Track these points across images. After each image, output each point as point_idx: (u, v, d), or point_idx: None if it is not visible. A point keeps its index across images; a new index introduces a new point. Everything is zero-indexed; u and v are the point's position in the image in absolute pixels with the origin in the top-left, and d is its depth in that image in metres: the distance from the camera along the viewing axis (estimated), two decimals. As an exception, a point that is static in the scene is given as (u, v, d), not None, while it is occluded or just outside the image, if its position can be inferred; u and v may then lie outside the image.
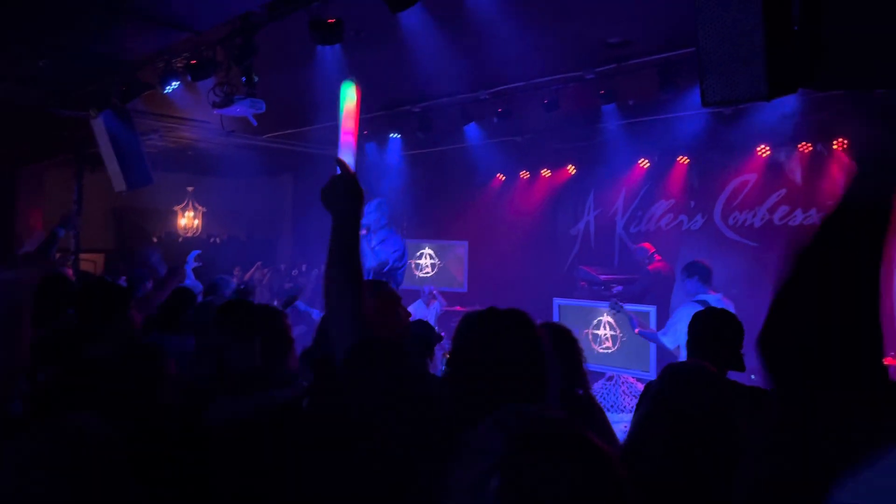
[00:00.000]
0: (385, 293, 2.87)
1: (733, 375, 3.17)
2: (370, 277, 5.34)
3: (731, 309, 5.69)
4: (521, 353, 1.69)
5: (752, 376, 6.86)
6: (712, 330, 3.20)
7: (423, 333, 3.49)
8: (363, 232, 6.39)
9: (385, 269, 5.96)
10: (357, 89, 2.38)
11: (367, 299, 2.76)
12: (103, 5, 4.68)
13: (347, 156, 2.23)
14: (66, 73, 6.49)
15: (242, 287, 5.79)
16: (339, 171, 2.10)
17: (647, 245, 8.66)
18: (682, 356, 5.79)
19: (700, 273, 5.88)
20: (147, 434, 2.03)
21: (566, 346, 3.10)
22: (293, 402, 2.50)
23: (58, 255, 10.29)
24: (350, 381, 1.72)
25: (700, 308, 5.76)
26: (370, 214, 6.32)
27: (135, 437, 1.71)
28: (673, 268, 8.60)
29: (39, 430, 1.49)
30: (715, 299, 5.61)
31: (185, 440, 2.27)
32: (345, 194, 2.05)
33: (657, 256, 8.46)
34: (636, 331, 6.37)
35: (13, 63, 6.06)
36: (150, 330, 4.08)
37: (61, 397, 2.36)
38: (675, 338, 5.65)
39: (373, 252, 6.04)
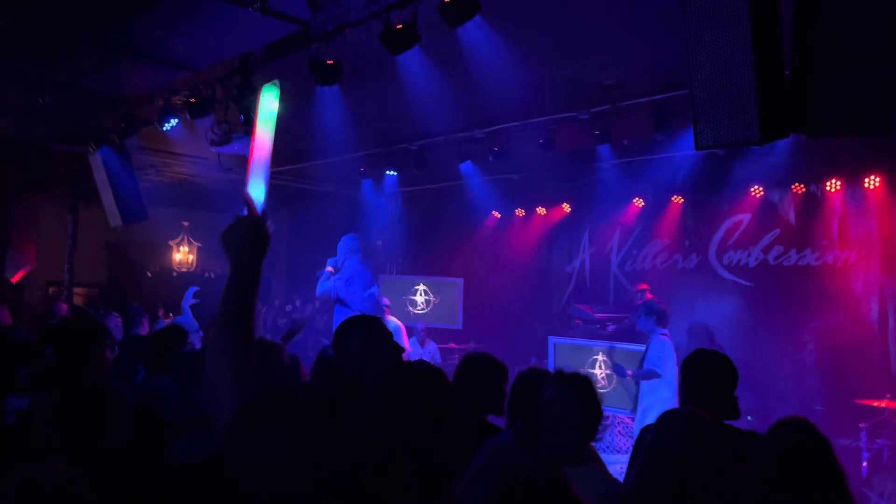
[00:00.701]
0: (374, 329, 2.85)
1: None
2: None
3: (670, 349, 6.28)
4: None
5: (749, 417, 6.82)
6: (706, 375, 3.12)
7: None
8: (328, 269, 6.38)
9: (333, 297, 6.10)
10: (277, 89, 2.02)
11: (355, 338, 2.76)
12: (106, 44, 4.74)
13: (257, 187, 1.88)
14: (66, 109, 6.54)
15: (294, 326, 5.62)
16: (244, 211, 1.78)
17: (643, 286, 8.67)
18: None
19: (658, 314, 6.38)
20: (98, 479, 1.97)
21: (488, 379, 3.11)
22: None
23: (51, 290, 10.27)
24: (234, 455, 1.45)
25: (667, 341, 6.28)
26: (340, 252, 6.38)
27: (90, 481, 1.65)
28: (667, 306, 8.61)
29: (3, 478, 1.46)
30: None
31: (142, 482, 2.20)
32: (245, 239, 1.73)
33: (648, 294, 8.47)
34: (629, 374, 6.48)
35: (15, 98, 6.11)
36: (136, 369, 4.04)
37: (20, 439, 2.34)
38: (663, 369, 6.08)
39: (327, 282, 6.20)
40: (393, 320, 7.64)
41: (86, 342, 3.00)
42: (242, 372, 1.63)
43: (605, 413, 2.70)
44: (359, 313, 5.88)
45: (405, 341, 7.67)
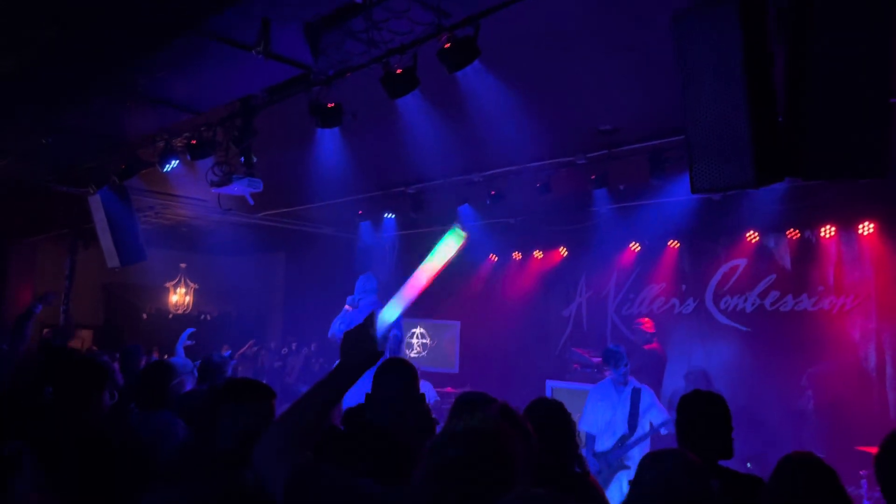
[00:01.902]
0: (410, 374, 2.89)
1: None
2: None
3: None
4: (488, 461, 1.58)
5: (749, 464, 6.72)
6: (699, 415, 3.12)
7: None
8: (347, 308, 6.58)
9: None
10: (464, 240, 2.20)
11: (393, 381, 2.76)
12: (110, 88, 4.81)
13: (393, 310, 2.06)
14: (68, 151, 6.59)
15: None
16: (368, 321, 1.91)
17: (645, 321, 8.64)
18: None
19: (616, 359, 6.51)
20: None
21: (560, 423, 3.05)
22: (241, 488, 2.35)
23: (45, 331, 10.20)
24: None
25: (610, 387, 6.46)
26: (357, 291, 6.62)
27: None
28: (665, 350, 8.57)
29: None
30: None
31: None
32: (360, 343, 1.87)
33: (655, 338, 8.45)
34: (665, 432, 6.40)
35: (19, 139, 6.17)
36: (126, 404, 4.00)
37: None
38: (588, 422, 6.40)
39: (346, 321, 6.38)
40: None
41: (89, 384, 2.99)
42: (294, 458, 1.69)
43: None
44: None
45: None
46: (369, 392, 2.88)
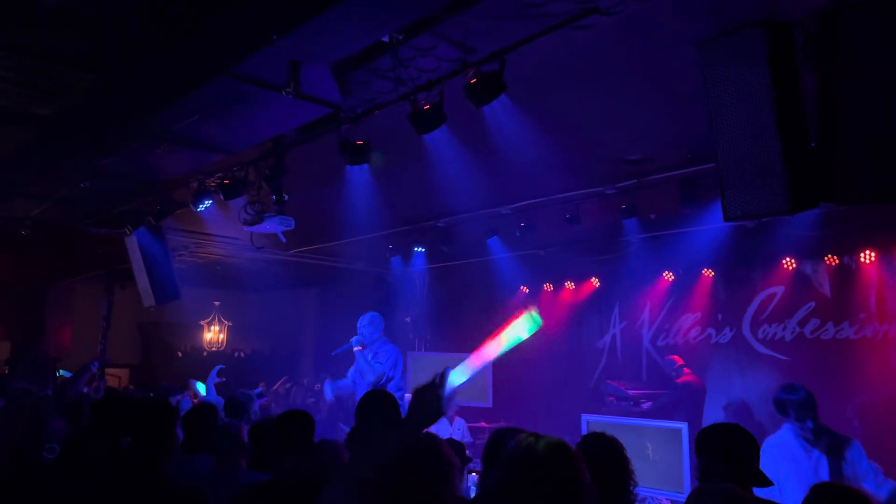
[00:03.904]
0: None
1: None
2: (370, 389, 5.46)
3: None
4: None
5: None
6: (724, 448, 3.01)
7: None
8: (358, 348, 6.53)
9: (383, 381, 6.26)
10: (538, 327, 2.31)
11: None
12: (146, 131, 4.93)
13: (461, 375, 2.16)
14: (105, 194, 6.75)
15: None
16: (439, 380, 2.04)
17: (675, 357, 8.50)
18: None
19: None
20: None
21: (616, 459, 2.92)
22: None
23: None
24: None
25: None
26: (364, 328, 6.64)
27: None
28: (703, 381, 8.38)
29: None
30: None
31: None
32: (428, 401, 2.01)
33: (686, 370, 8.28)
34: None
35: (58, 184, 6.33)
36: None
37: None
38: None
39: (370, 365, 6.36)
40: (463, 422, 7.62)
41: (168, 426, 3.03)
42: None
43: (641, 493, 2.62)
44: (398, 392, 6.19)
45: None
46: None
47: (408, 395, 7.27)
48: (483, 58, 4.00)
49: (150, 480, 2.64)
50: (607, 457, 2.87)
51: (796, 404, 4.50)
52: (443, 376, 2.04)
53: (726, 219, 3.30)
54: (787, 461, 4.42)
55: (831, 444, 4.33)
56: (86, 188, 6.15)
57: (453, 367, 2.13)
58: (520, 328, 2.28)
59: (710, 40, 3.25)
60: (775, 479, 3.94)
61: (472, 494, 3.99)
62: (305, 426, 3.49)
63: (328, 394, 6.86)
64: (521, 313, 2.29)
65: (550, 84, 4.66)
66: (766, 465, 3.91)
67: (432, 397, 1.99)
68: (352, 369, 6.73)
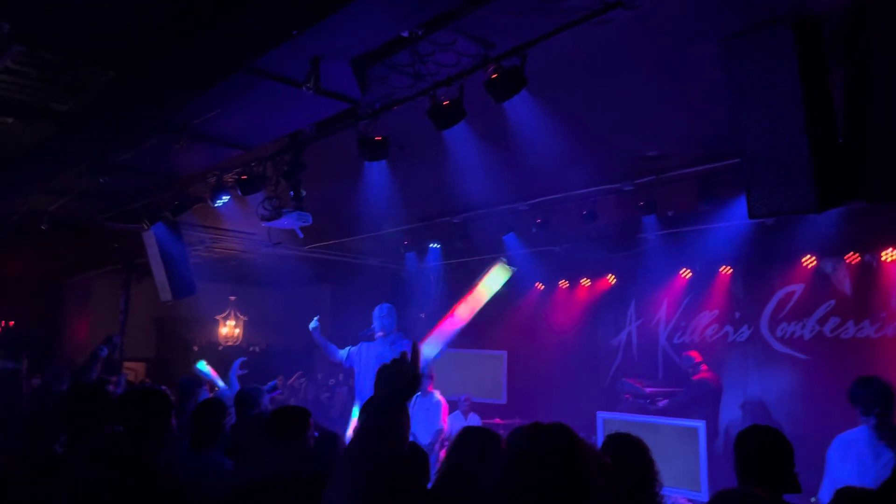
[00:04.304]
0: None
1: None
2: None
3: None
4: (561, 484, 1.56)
5: (813, 499, 6.45)
6: (759, 451, 2.98)
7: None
8: (380, 334, 6.72)
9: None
10: (510, 273, 2.07)
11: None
12: (164, 126, 4.94)
13: (433, 347, 1.98)
14: (123, 189, 6.78)
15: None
16: (409, 355, 1.84)
17: (693, 353, 8.43)
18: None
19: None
20: None
21: (641, 461, 2.89)
22: None
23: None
24: None
25: None
26: (384, 318, 6.92)
27: None
28: (721, 378, 8.32)
29: None
30: None
31: None
32: (394, 376, 1.80)
33: (703, 366, 8.21)
34: None
35: (77, 179, 6.36)
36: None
37: None
38: None
39: (391, 351, 6.57)
40: (436, 395, 7.56)
41: (153, 415, 3.02)
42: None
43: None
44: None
45: (444, 418, 7.58)
46: None
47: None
48: (503, 53, 3.97)
49: (139, 470, 2.63)
50: (633, 458, 2.85)
51: (865, 399, 4.14)
52: (415, 348, 1.84)
53: (750, 216, 3.26)
54: (851, 461, 4.11)
55: None
56: (104, 183, 6.17)
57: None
58: (493, 281, 2.12)
59: (735, 35, 3.20)
60: (839, 477, 4.04)
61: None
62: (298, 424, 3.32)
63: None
64: (490, 268, 2.10)
65: (570, 81, 4.62)
66: (831, 462, 4.28)
67: (402, 370, 1.78)
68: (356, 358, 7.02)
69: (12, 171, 6.43)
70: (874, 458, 4.00)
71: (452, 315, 1.90)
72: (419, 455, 3.28)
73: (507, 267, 2.04)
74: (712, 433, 7.58)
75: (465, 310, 1.91)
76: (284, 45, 3.71)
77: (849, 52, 3.05)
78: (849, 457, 4.10)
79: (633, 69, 4.51)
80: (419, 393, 7.11)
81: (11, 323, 12.23)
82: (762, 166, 3.11)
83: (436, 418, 7.44)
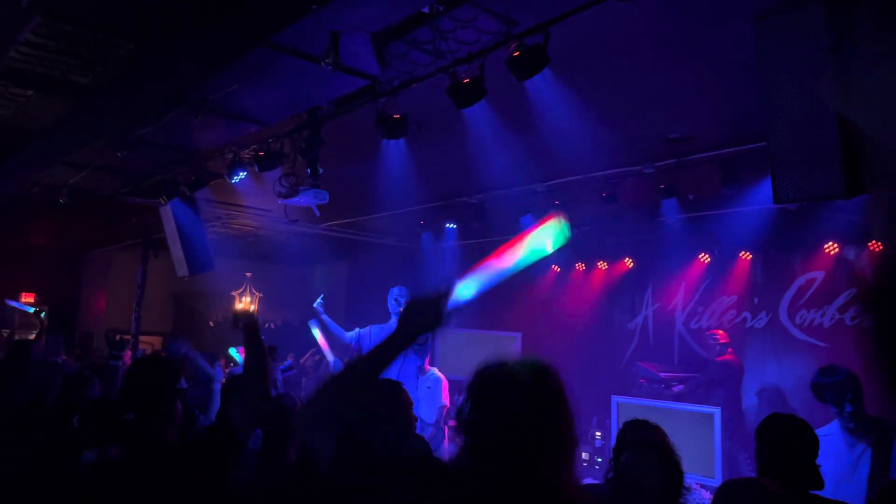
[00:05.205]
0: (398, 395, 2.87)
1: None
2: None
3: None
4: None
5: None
6: (780, 442, 2.90)
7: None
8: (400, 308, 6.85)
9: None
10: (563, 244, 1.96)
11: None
12: (183, 102, 4.92)
13: (470, 287, 1.91)
14: (141, 163, 6.80)
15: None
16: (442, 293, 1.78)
17: (718, 333, 8.31)
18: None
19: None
20: None
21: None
22: None
23: (118, 337, 10.52)
24: None
25: None
26: (402, 297, 7.09)
27: None
28: (743, 363, 8.23)
29: None
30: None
31: None
32: (425, 310, 1.78)
33: (729, 349, 8.12)
34: None
35: (96, 154, 6.38)
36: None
37: None
38: None
39: None
40: (434, 372, 7.54)
41: (169, 397, 2.99)
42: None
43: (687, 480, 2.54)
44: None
45: (445, 394, 7.54)
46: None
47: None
48: (526, 30, 3.90)
49: (153, 448, 2.63)
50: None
51: (833, 388, 3.97)
52: (448, 286, 1.78)
53: (776, 201, 3.19)
54: (828, 457, 3.53)
55: (880, 434, 3.84)
56: (123, 157, 6.18)
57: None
58: (545, 238, 1.96)
59: (768, 14, 3.12)
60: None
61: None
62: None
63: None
64: (548, 219, 1.95)
65: (593, 59, 4.54)
66: None
67: (432, 306, 1.74)
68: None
69: (33, 144, 6.46)
70: (849, 451, 3.91)
71: (495, 258, 1.78)
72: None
73: (566, 229, 1.88)
74: (736, 417, 7.53)
75: (509, 258, 1.81)
76: (304, 19, 3.66)
77: (882, 31, 2.95)
78: (825, 454, 3.51)
79: (659, 49, 4.42)
80: (417, 372, 7.16)
81: (32, 295, 12.38)
82: (790, 150, 3.03)
83: (437, 395, 7.39)
